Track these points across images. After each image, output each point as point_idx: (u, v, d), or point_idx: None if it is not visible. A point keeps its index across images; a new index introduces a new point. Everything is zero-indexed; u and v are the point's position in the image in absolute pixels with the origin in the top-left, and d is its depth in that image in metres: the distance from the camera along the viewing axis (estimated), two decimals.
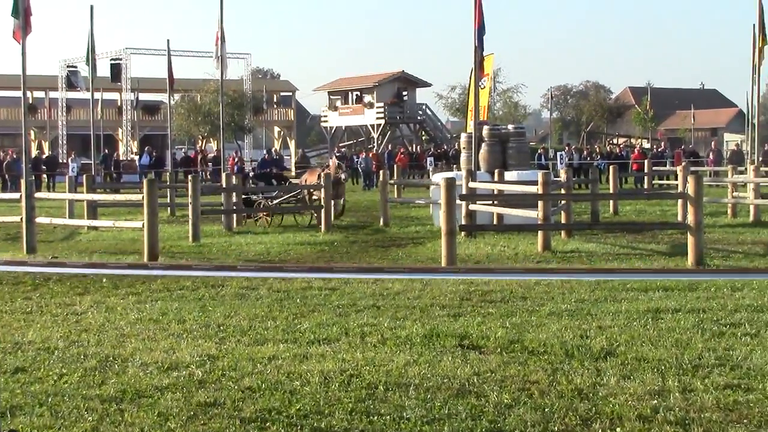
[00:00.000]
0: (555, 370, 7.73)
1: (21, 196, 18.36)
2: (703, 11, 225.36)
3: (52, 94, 69.23)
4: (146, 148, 52.85)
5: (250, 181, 27.53)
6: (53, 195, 26.89)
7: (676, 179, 29.73)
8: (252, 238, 20.56)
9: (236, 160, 46.82)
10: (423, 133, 69.52)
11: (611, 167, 28.77)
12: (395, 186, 33.34)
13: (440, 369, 7.80)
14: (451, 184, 15.59)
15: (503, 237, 19.07)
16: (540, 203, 17.57)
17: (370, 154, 50.46)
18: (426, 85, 71.06)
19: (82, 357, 8.39)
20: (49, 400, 6.96)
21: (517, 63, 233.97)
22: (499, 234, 19.43)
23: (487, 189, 21.12)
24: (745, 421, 6.39)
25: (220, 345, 8.88)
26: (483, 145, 23.87)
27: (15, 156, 43.14)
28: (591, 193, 25.51)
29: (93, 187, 26.61)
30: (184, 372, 7.79)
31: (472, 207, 19.84)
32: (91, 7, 33.24)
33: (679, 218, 21.17)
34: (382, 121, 66.59)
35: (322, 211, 22.31)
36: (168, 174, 39.31)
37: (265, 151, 32.91)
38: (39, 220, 19.20)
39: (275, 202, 25.07)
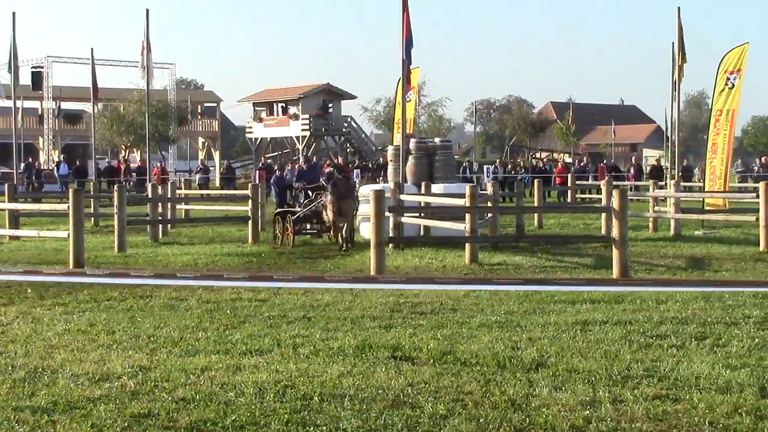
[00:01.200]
0: (488, 381, 7.81)
1: None
2: (623, 29, 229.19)
3: None
4: (62, 157, 52.12)
5: (294, 193, 23.48)
6: None
7: (599, 193, 30.23)
8: (178, 249, 20.42)
9: (160, 169, 46.35)
10: (348, 145, 69.59)
11: (535, 181, 29.11)
12: None
13: (374, 380, 7.83)
14: (380, 196, 15.67)
15: (431, 249, 19.16)
16: (467, 216, 17.72)
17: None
18: (351, 97, 71.15)
19: (10, 368, 8.26)
20: None
21: (441, 77, 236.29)
22: (427, 246, 19.54)
23: (415, 201, 21.25)
24: (674, 430, 6.53)
25: (151, 356, 8.80)
26: (410, 157, 23.96)
27: None
28: (517, 206, 25.78)
29: (15, 196, 26.18)
30: (116, 383, 7.71)
31: (400, 219, 19.93)
32: (13, 14, 32.80)
33: (603, 231, 21.55)
34: (308, 133, 66.49)
35: (250, 222, 22.25)
36: (92, 184, 38.79)
37: (303, 159, 28.50)
38: None
39: (298, 215, 21.66)
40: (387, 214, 17.21)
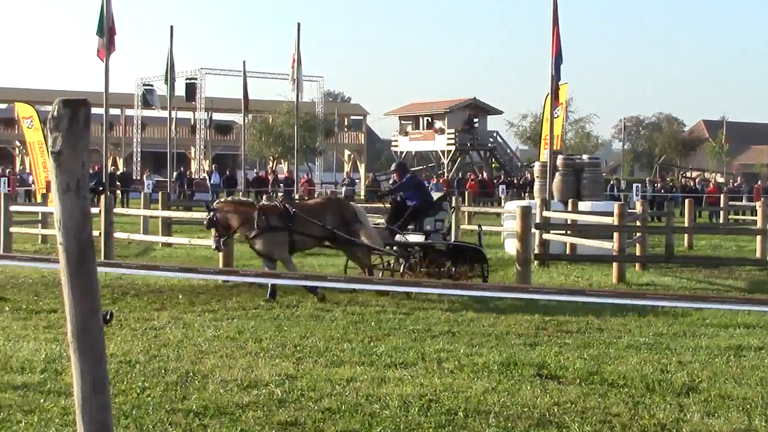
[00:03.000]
0: (636, 403, 7.63)
1: (100, 210, 18.61)
2: None
3: (128, 112, 70.41)
4: (213, 167, 53.62)
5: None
6: (130, 211, 27.26)
7: (753, 215, 29.28)
8: (325, 260, 20.62)
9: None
10: (493, 160, 69.34)
11: (687, 201, 28.40)
12: (466, 213, 33.18)
13: (519, 398, 7.74)
14: (527, 212, 15.53)
15: (577, 267, 18.90)
16: (615, 234, 17.42)
17: (441, 180, 50.46)
18: (497, 112, 70.92)
19: (162, 371, 8.47)
20: (134, 412, 7.04)
21: (589, 93, 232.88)
22: (573, 264, 19.27)
23: (561, 218, 21.00)
24: None
25: (297, 365, 8.91)
26: (557, 174, 23.75)
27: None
28: (667, 225, 25.20)
29: (168, 204, 26.94)
30: (263, 390, 7.82)
31: (545, 236, 19.72)
32: (171, 28, 33.83)
33: (758, 254, 20.83)
34: (453, 148, 66.55)
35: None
36: (240, 193, 39.66)
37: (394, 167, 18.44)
38: (116, 234, 19.51)
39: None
40: (533, 230, 17.05)
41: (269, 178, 53.48)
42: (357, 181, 65.32)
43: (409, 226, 15.69)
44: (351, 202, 17.03)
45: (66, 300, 4.47)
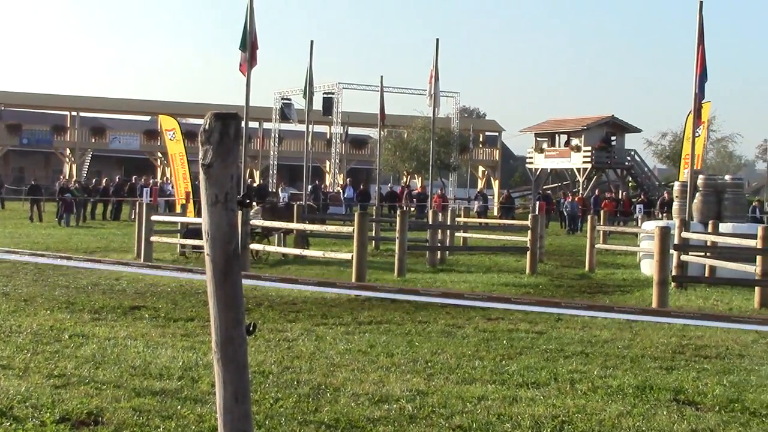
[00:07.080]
0: None
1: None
2: None
3: (266, 125, 71.64)
4: (348, 181, 54.23)
5: None
6: (266, 223, 27.69)
7: None
8: (456, 276, 20.60)
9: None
10: (630, 179, 68.17)
11: None
12: (601, 232, 32.64)
13: (655, 423, 7.55)
14: (666, 232, 15.21)
15: (716, 290, 18.40)
16: (759, 258, 16.87)
17: (576, 198, 49.84)
18: (636, 130, 69.66)
19: (295, 383, 8.55)
20: (267, 422, 7.12)
21: (733, 111, 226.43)
22: (712, 287, 18.77)
23: (701, 240, 20.48)
24: None
25: (428, 381, 8.88)
26: (697, 194, 23.16)
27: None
28: None
29: (303, 217, 27.28)
30: (394, 405, 7.81)
31: (684, 258, 19.25)
32: (311, 43, 34.23)
33: None
34: (589, 166, 65.67)
35: (528, 253, 22.16)
36: (374, 208, 39.87)
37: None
38: (252, 246, 19.86)
39: None
40: (671, 251, 16.68)
41: (403, 192, 53.71)
42: (490, 197, 65.08)
43: None
44: None
45: (211, 310, 4.53)
